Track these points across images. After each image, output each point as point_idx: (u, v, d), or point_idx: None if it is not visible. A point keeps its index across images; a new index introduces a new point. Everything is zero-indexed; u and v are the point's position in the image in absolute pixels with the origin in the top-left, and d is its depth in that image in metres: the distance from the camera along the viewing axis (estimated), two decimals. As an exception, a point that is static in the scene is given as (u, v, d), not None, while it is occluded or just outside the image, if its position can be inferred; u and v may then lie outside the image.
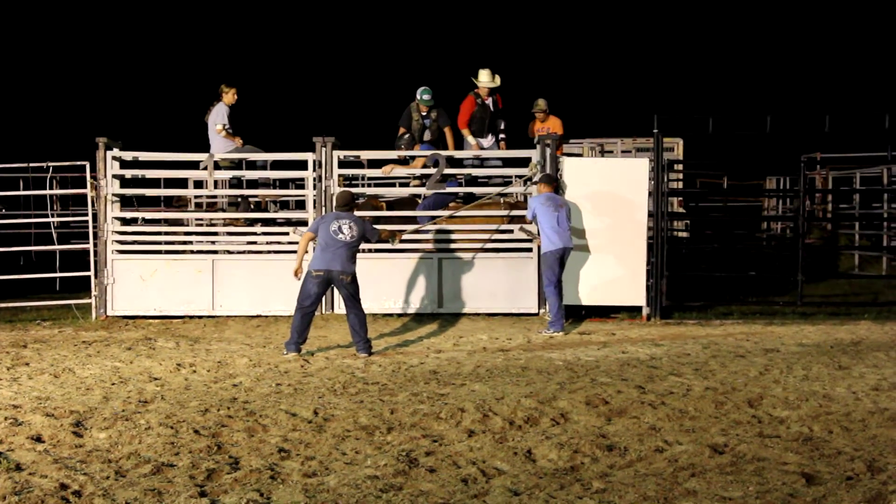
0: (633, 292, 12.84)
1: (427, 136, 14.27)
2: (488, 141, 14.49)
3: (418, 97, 14.11)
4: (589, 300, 12.86)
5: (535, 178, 13.01)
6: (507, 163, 14.15)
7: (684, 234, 20.40)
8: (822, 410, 7.42)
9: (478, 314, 13.04)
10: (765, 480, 5.69)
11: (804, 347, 10.53)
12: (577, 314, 12.83)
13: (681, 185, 19.32)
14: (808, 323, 12.54)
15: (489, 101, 14.36)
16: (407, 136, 14.13)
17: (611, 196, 12.76)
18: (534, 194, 12.73)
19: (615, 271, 12.72)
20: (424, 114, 14.21)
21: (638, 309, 12.91)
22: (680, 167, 19.65)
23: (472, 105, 14.34)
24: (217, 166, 13.56)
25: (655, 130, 13.48)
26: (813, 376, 8.77)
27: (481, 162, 14.22)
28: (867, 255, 18.73)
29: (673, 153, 22.30)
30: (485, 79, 14.26)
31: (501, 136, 14.60)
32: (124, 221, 13.32)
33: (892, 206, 18.69)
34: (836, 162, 20.91)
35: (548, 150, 13.33)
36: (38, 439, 6.69)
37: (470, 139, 14.32)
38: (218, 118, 14.04)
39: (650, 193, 13.01)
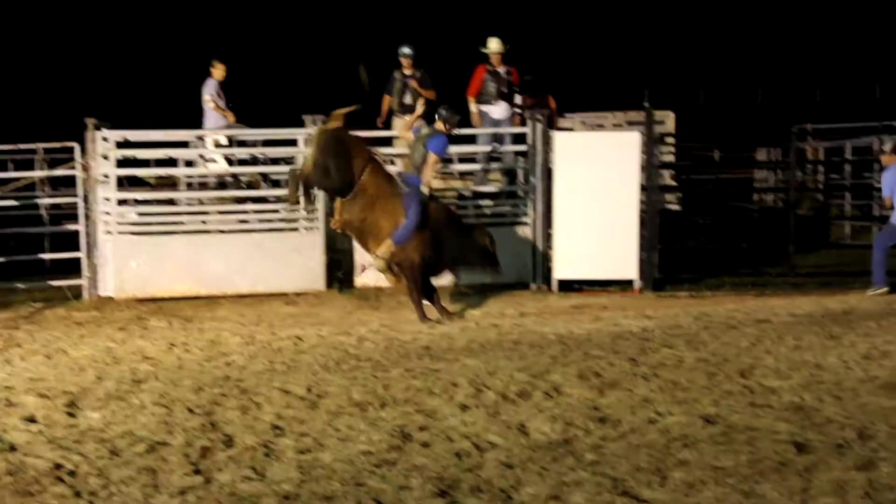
0: (625, 265, 12.86)
1: (408, 98, 14.19)
2: (501, 109, 14.40)
3: (399, 53, 14.10)
4: (581, 274, 12.89)
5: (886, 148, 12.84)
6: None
7: (676, 207, 20.41)
8: (814, 380, 7.46)
9: (471, 286, 12.95)
10: (756, 449, 5.72)
11: (795, 317, 10.56)
12: (569, 288, 12.84)
13: (672, 158, 19.30)
14: (799, 293, 12.57)
15: (502, 70, 14.33)
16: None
17: (602, 170, 12.75)
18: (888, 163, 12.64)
19: (607, 245, 12.73)
20: (408, 73, 14.16)
21: (630, 282, 12.93)
22: (671, 140, 19.63)
23: (483, 73, 14.33)
24: (217, 144, 13.54)
25: (646, 104, 13.48)
26: (804, 346, 8.80)
27: (493, 135, 14.10)
28: (858, 224, 18.76)
29: (664, 126, 22.30)
30: (494, 46, 14.25)
31: (517, 111, 14.51)
32: (119, 202, 13.27)
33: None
34: (827, 132, 20.91)
35: (538, 125, 13.32)
36: (32, 420, 6.69)
37: (472, 108, 14.28)
38: (206, 91, 14.05)
39: (642, 167, 13.01)
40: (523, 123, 14.25)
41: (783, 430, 6.09)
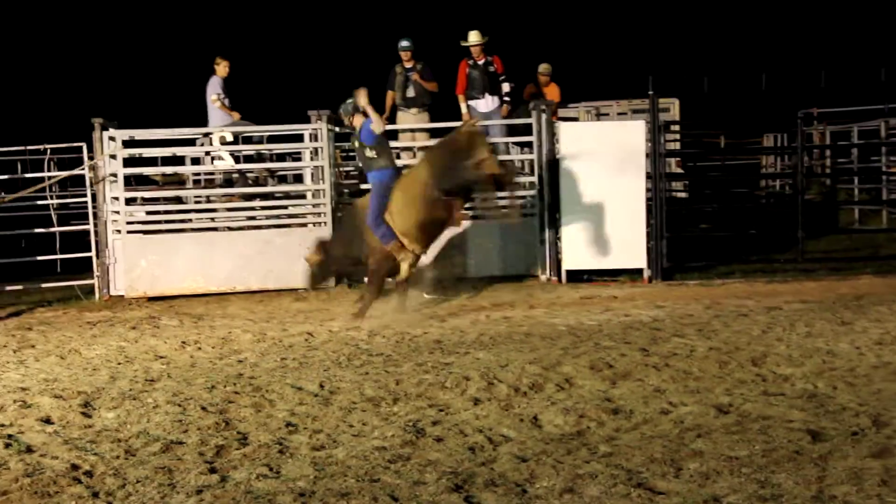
0: (634, 255, 12.85)
1: (410, 92, 14.18)
2: (486, 102, 14.35)
3: (398, 47, 14.08)
4: (590, 264, 12.88)
5: None
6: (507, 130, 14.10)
7: (683, 195, 20.40)
8: (826, 366, 7.46)
9: (481, 278, 12.95)
10: (770, 438, 5.72)
11: (806, 304, 10.54)
12: (578, 279, 12.85)
13: (678, 145, 19.29)
14: (809, 279, 12.54)
15: (482, 62, 14.26)
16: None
17: (608, 159, 12.72)
18: None
19: (615, 234, 12.71)
20: (409, 67, 14.14)
21: (639, 271, 12.92)
22: (677, 128, 19.62)
23: (466, 68, 14.28)
24: (223, 142, 13.56)
25: (651, 92, 13.44)
26: (816, 333, 8.80)
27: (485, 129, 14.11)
28: (867, 209, 18.72)
29: (669, 114, 22.29)
30: (473, 38, 14.18)
31: (506, 98, 14.45)
32: (127, 201, 13.30)
33: (890, 159, 18.65)
34: (833, 117, 20.89)
35: (543, 116, 13.30)
36: (48, 421, 6.73)
37: (463, 106, 14.25)
38: (211, 89, 14.05)
39: (647, 155, 12.99)
40: (511, 112, 14.21)
41: (797, 419, 6.08)
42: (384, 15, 37.03)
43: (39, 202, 14.69)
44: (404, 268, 10.89)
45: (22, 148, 13.83)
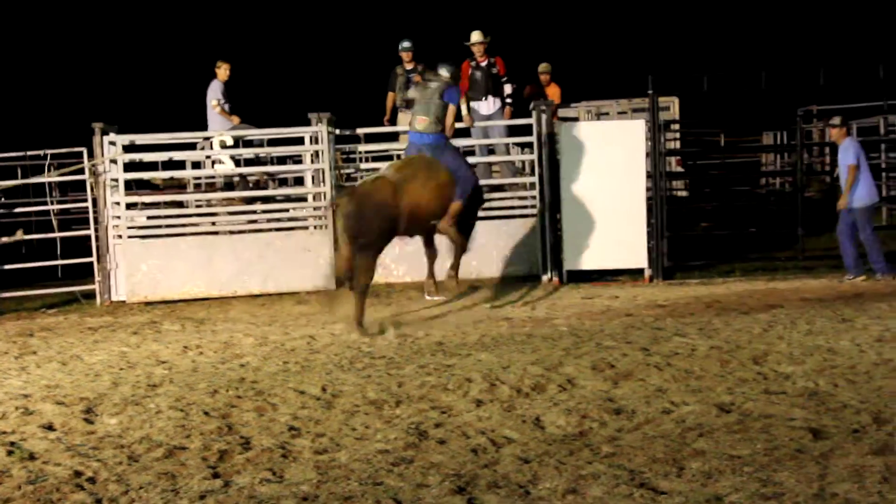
0: (635, 254, 12.87)
1: (412, 92, 14.18)
2: (488, 104, 14.33)
3: (399, 48, 14.07)
4: (591, 264, 12.90)
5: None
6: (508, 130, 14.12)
7: (683, 194, 20.40)
8: (827, 364, 7.46)
9: (481, 279, 12.96)
10: (772, 437, 5.72)
11: (807, 302, 10.56)
12: (579, 279, 12.86)
13: (678, 144, 19.30)
14: (810, 277, 12.57)
15: (484, 63, 14.24)
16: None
17: (608, 159, 12.75)
18: (839, 140, 12.52)
19: (616, 234, 12.74)
20: (410, 68, 14.14)
21: (640, 271, 12.93)
22: (676, 126, 19.63)
23: (468, 70, 14.28)
24: (223, 145, 13.57)
25: (650, 91, 13.46)
26: (816, 330, 8.81)
27: (483, 130, 14.11)
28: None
29: (669, 112, 22.31)
30: (475, 38, 14.16)
31: (508, 100, 14.43)
32: (128, 206, 13.31)
33: (889, 155, 18.65)
34: (833, 114, 20.86)
35: (543, 117, 13.32)
36: (50, 427, 6.73)
37: (464, 108, 14.21)
38: (211, 95, 14.06)
39: (647, 154, 13.00)
40: (514, 113, 14.21)
41: (798, 417, 6.09)
42: (384, 16, 37.03)
43: (40, 207, 14.72)
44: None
45: (22, 153, 13.86)
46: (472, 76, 14.24)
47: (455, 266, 10.86)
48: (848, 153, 12.22)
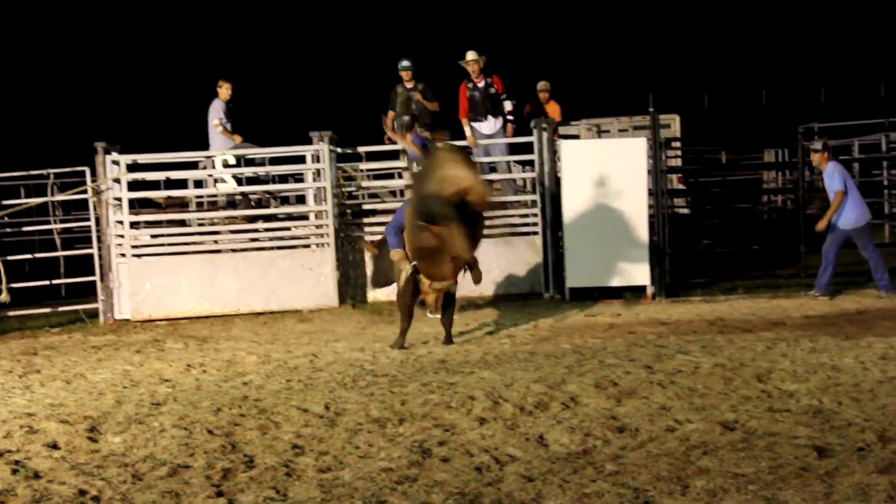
0: (637, 272, 12.87)
1: (413, 109, 14.21)
2: (489, 124, 14.36)
3: (398, 67, 14.12)
4: (593, 282, 12.90)
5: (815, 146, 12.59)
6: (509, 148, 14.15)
7: (685, 211, 20.42)
8: (831, 382, 7.45)
9: (482, 297, 12.99)
10: (777, 455, 5.71)
11: (810, 319, 10.56)
12: (582, 297, 12.86)
13: (679, 161, 19.32)
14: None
15: (481, 84, 14.27)
16: (406, 118, 13.93)
17: (610, 177, 12.77)
18: (821, 165, 12.47)
19: (618, 252, 12.75)
20: (410, 86, 14.18)
21: (642, 288, 12.94)
22: (677, 144, 19.65)
23: (466, 91, 14.31)
24: (225, 164, 13.61)
25: (651, 108, 13.49)
26: (820, 348, 8.80)
27: (485, 149, 14.15)
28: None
29: (670, 130, 22.34)
30: (469, 56, 14.19)
31: (509, 118, 14.44)
32: (131, 225, 13.33)
33: (891, 173, 18.67)
34: (834, 131, 20.89)
35: (544, 135, 13.35)
36: (54, 446, 6.72)
37: (467, 130, 14.25)
38: (213, 114, 14.11)
39: (649, 172, 13.03)
40: (515, 131, 14.25)
41: (803, 435, 6.08)
42: (385, 36, 37.18)
43: (43, 227, 14.75)
44: (429, 300, 10.20)
45: (25, 173, 13.89)
46: (471, 98, 14.27)
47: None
48: (833, 179, 12.25)
